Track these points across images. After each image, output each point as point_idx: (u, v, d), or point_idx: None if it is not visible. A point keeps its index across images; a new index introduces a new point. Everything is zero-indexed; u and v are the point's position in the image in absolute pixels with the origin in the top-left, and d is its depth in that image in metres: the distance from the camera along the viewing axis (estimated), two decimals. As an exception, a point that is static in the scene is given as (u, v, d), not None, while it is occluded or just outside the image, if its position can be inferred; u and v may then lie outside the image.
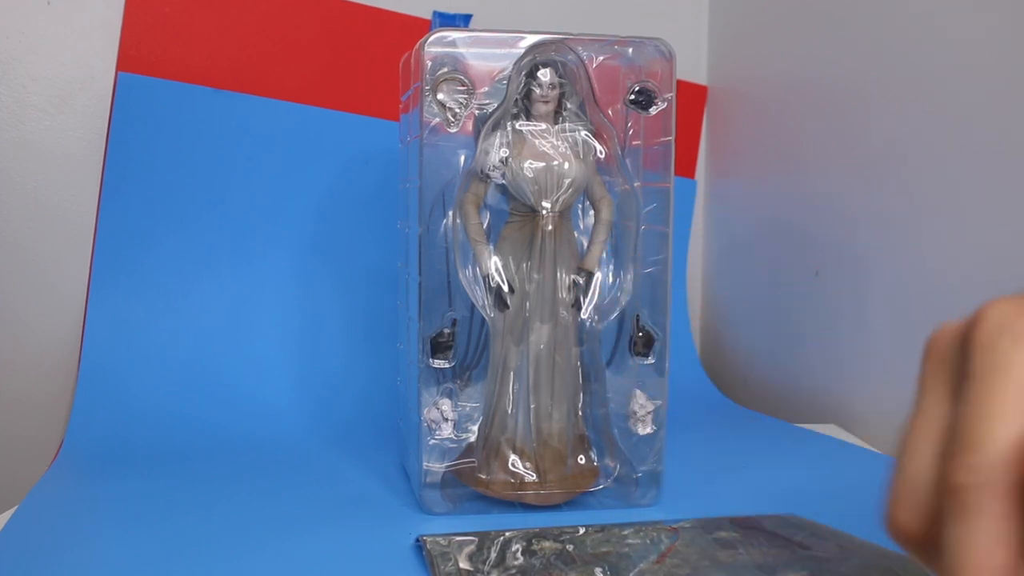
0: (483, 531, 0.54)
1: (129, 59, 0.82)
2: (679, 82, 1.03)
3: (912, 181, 0.74)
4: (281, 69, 0.87)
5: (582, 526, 0.55)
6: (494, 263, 0.60)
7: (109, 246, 0.82)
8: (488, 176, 0.59)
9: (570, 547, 0.52)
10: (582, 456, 0.62)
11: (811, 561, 0.50)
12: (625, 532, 0.54)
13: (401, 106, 0.67)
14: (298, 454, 0.74)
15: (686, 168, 1.03)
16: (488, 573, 0.48)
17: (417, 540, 0.53)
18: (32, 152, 0.82)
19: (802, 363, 0.88)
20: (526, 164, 0.59)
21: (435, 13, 0.81)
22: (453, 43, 0.59)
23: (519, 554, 0.51)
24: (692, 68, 1.03)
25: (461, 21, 0.73)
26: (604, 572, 0.49)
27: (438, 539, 0.52)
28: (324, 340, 0.87)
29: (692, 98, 1.03)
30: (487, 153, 0.59)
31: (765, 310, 0.94)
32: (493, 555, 0.51)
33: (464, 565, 0.49)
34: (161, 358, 0.82)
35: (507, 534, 0.53)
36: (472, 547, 0.52)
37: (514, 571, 0.49)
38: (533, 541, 0.53)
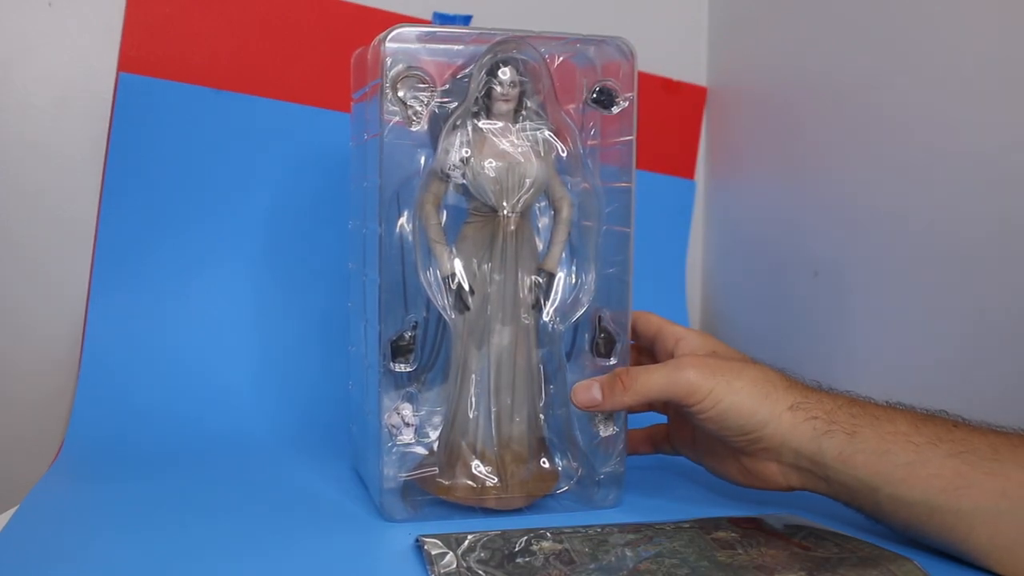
0: (481, 531, 0.54)
1: (130, 59, 0.82)
2: (679, 83, 1.03)
3: (912, 181, 0.74)
4: (281, 69, 0.87)
5: (581, 526, 0.55)
6: (455, 264, 0.59)
7: (110, 246, 0.81)
8: (448, 176, 0.58)
9: (569, 547, 0.52)
10: (544, 459, 0.61)
11: (810, 561, 0.50)
12: (624, 532, 0.54)
13: (353, 103, 0.65)
14: (296, 455, 0.74)
15: (686, 168, 1.03)
16: (487, 573, 0.48)
17: (416, 540, 0.53)
18: (32, 152, 0.82)
19: (802, 363, 0.87)
20: (487, 163, 0.58)
21: (435, 14, 0.81)
22: (412, 39, 0.58)
23: (518, 554, 0.51)
24: (692, 68, 1.03)
25: (461, 22, 0.73)
26: (603, 571, 0.49)
27: (436, 539, 0.52)
28: (327, 339, 0.87)
29: (692, 98, 1.03)
30: (447, 152, 0.58)
31: (764, 310, 0.94)
32: (491, 555, 0.51)
33: (462, 565, 0.49)
34: (162, 358, 0.81)
35: (506, 533, 0.54)
36: (469, 547, 0.52)
37: (513, 571, 0.49)
38: (532, 540, 0.53)
